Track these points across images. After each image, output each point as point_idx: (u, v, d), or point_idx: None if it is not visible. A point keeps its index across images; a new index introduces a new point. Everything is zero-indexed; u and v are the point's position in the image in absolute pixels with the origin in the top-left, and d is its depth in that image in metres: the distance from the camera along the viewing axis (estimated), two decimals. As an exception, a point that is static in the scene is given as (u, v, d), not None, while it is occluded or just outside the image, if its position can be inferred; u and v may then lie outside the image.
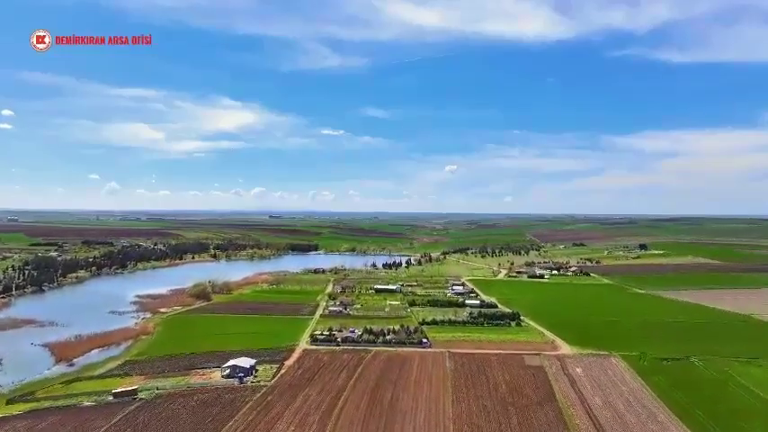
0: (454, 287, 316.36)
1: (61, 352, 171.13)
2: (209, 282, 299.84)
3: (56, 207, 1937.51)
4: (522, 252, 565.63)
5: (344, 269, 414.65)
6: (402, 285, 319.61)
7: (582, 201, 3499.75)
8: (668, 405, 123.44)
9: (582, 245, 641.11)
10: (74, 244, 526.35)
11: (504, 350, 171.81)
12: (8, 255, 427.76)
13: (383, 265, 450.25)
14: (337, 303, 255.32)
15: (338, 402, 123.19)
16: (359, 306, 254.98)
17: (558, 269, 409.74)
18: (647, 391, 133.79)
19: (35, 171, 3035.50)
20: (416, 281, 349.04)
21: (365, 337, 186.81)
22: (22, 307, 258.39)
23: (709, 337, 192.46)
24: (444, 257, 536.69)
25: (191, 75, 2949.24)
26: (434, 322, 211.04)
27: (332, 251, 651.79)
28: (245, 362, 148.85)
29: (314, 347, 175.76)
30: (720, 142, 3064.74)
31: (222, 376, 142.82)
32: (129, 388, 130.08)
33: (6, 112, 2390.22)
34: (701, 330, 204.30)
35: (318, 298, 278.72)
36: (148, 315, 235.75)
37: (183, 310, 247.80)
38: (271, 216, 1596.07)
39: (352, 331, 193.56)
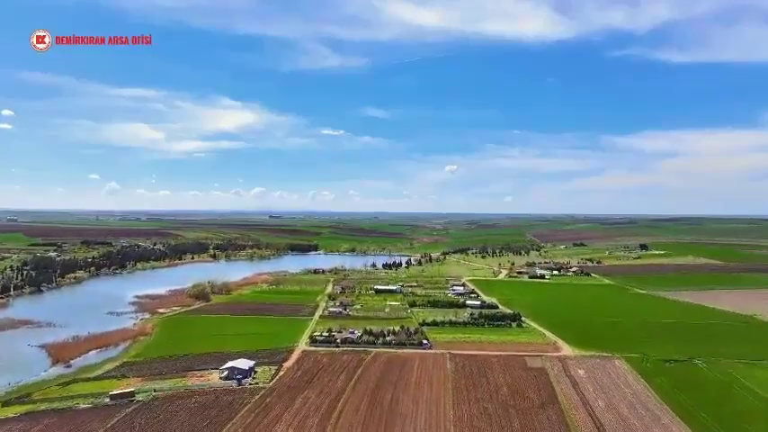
0: (454, 288, 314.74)
1: (58, 353, 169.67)
2: (209, 282, 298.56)
3: (56, 207, 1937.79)
4: (523, 252, 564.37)
5: (344, 269, 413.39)
6: (402, 286, 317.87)
7: (582, 201, 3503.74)
8: (672, 407, 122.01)
9: (582, 245, 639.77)
10: (73, 244, 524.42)
11: (505, 351, 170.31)
12: (7, 255, 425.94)
13: (383, 265, 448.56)
14: (337, 304, 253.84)
15: (337, 405, 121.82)
16: (359, 307, 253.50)
17: (558, 269, 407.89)
18: (650, 393, 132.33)
19: (35, 171, 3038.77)
20: (416, 281, 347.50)
21: (365, 338, 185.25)
22: (20, 307, 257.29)
23: (712, 338, 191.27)
24: (444, 258, 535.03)
25: (191, 75, 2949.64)
26: (435, 323, 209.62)
27: (332, 251, 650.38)
28: (244, 363, 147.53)
29: (313, 349, 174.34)
30: (720, 142, 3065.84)
31: (220, 378, 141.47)
32: (127, 390, 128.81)
33: (6, 112, 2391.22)
34: (704, 331, 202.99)
35: (318, 298, 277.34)
36: (147, 316, 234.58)
37: (182, 310, 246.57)
38: (271, 216, 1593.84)
39: (352, 332, 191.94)
